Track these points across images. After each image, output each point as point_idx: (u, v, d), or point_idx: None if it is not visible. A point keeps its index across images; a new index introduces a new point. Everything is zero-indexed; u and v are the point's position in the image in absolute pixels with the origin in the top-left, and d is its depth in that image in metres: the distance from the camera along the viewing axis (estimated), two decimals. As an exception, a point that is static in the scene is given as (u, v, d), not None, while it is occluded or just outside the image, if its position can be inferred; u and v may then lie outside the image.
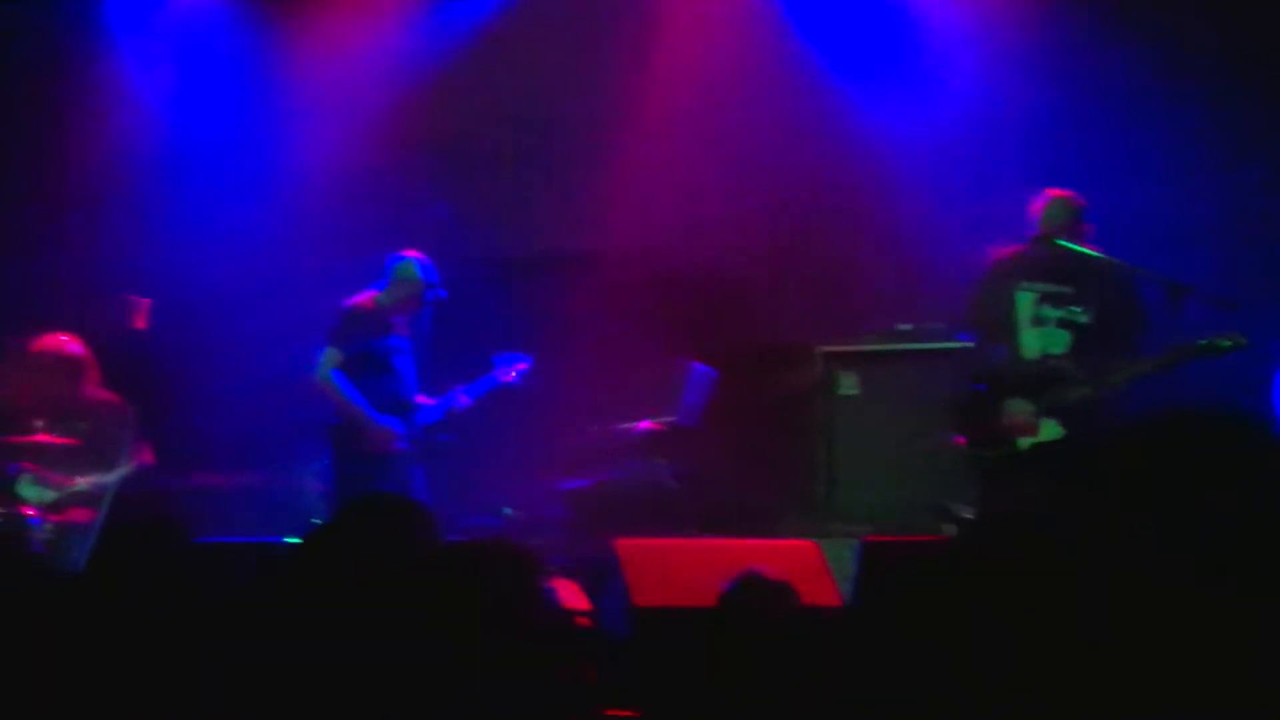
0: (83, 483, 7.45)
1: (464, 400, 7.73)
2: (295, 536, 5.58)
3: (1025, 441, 6.40)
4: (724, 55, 8.96)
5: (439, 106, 9.34)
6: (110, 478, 7.38)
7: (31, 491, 7.38)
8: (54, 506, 7.37)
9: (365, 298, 7.47)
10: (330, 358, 7.28)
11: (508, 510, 8.16)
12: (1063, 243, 6.44)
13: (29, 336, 7.71)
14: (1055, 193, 6.59)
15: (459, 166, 9.41)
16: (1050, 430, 6.39)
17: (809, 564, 5.33)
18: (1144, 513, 1.76)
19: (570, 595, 5.79)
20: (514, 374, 7.84)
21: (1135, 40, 8.27)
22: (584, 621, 5.42)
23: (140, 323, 7.40)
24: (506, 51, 9.27)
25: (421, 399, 7.68)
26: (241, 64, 9.24)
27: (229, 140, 9.17)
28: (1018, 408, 6.41)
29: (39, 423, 7.41)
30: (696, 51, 8.97)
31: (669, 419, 8.14)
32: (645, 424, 8.14)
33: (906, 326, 8.08)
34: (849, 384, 8.03)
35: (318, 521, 7.19)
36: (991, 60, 8.50)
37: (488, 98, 9.35)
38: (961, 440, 6.60)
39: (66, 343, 7.62)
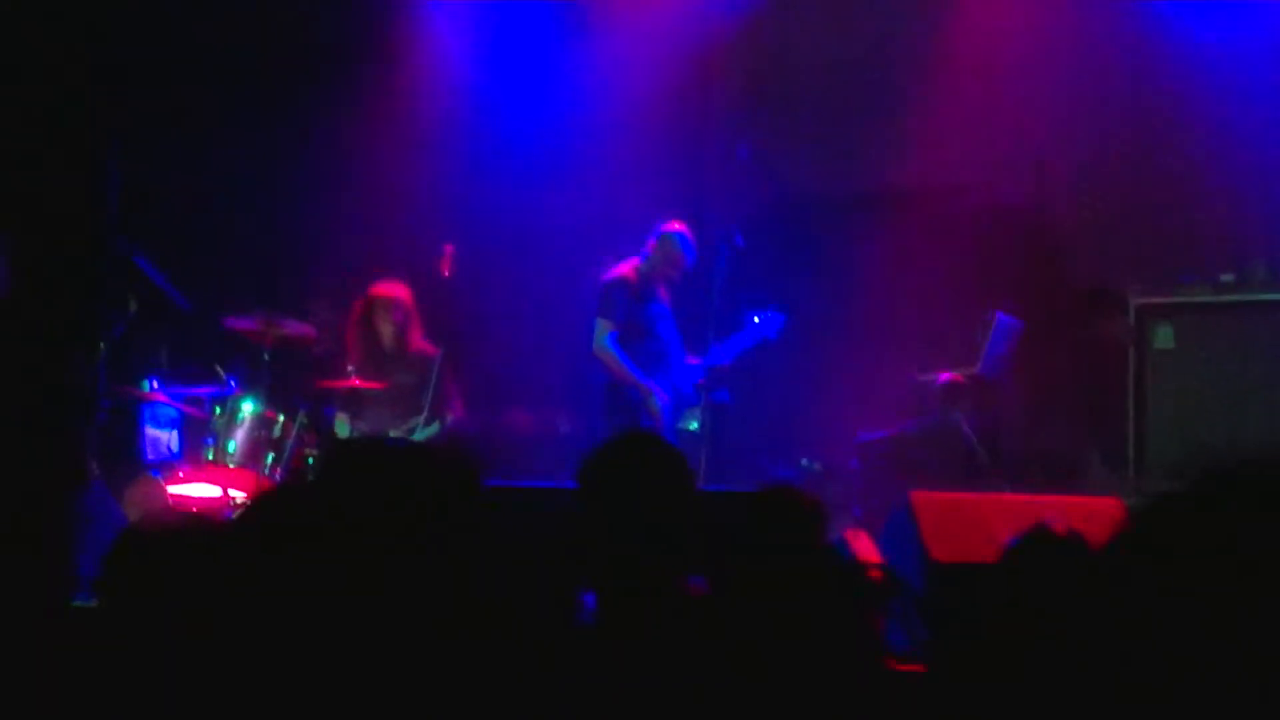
0: (391, 427, 7.72)
1: (724, 359, 7.62)
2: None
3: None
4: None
5: (749, 50, 9.29)
6: (417, 424, 7.60)
7: (344, 431, 7.68)
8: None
9: (627, 267, 7.53)
10: (603, 328, 7.39)
11: (805, 461, 8.09)
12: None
13: (363, 282, 8.02)
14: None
15: (767, 108, 9.31)
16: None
17: (1111, 521, 5.09)
18: None
19: (863, 547, 5.68)
20: (773, 331, 7.71)
21: None
22: (875, 574, 5.30)
23: (446, 270, 7.57)
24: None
25: (692, 360, 7.66)
26: (549, 18, 9.34)
27: (539, 92, 9.30)
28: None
29: (351, 368, 7.70)
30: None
31: (971, 370, 7.92)
32: (946, 375, 7.94)
33: (1229, 276, 7.67)
34: (1165, 337, 7.70)
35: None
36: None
37: (795, 39, 9.23)
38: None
39: (399, 290, 7.89)
